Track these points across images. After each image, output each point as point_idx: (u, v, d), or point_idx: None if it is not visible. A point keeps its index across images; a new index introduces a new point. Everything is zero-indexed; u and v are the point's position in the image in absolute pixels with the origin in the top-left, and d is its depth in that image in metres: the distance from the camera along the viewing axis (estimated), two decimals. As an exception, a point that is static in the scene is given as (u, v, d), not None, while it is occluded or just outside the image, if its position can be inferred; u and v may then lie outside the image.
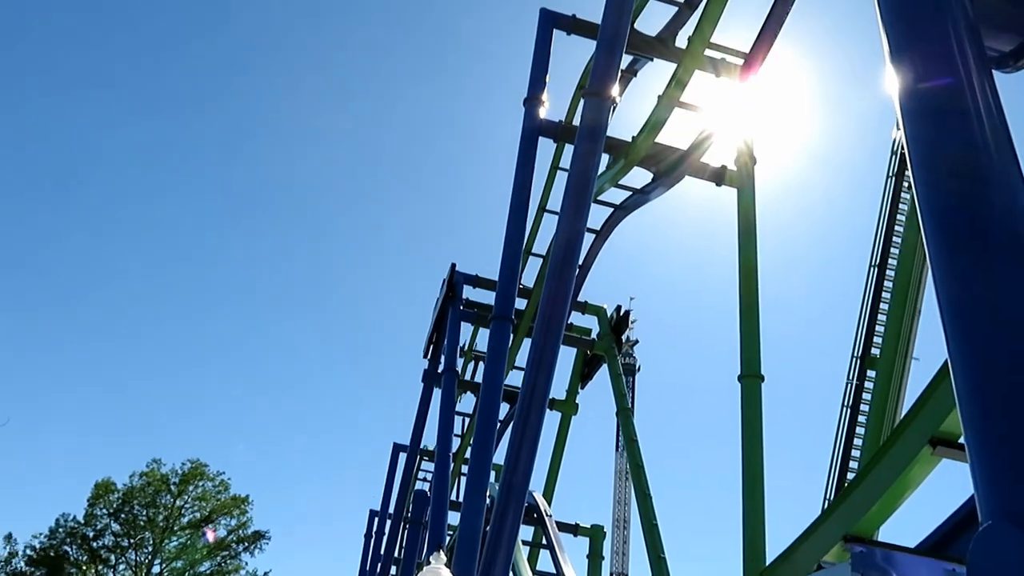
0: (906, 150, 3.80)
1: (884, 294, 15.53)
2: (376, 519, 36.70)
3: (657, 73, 19.60)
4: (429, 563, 7.97)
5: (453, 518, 23.91)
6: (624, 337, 28.63)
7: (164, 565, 39.53)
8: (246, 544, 41.28)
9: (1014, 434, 2.82)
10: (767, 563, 12.96)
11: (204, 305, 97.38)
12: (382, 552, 32.82)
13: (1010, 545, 2.60)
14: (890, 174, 16.21)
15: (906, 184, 15.99)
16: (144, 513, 39.67)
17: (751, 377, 15.55)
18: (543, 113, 17.27)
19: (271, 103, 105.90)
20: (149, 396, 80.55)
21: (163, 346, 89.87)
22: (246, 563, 41.52)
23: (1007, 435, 2.83)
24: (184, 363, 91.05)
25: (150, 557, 38.84)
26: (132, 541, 39.12)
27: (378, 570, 31.95)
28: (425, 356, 27.39)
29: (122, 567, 39.06)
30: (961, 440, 6.56)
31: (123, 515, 39.42)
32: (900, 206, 15.86)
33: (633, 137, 17.65)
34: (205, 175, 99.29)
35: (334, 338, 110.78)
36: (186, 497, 41.00)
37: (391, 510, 33.10)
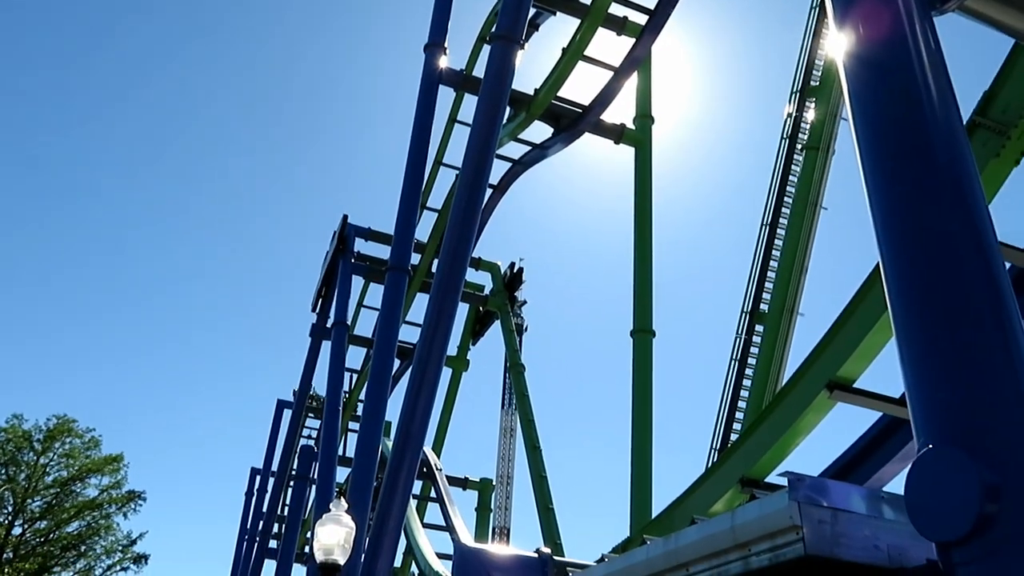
0: (843, 80, 3.78)
1: (774, 252, 16.21)
2: (259, 476, 35.79)
3: (558, 29, 19.50)
4: (329, 510, 7.74)
5: (340, 474, 23.63)
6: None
7: (27, 526, 37.19)
8: (119, 505, 39.34)
9: (952, 357, 2.86)
10: (653, 514, 13.48)
11: (80, 254, 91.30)
12: (264, 510, 32.07)
13: (953, 466, 2.64)
14: (784, 136, 16.84)
15: (799, 147, 16.68)
16: (3, 472, 37.05)
17: (642, 332, 15.93)
18: (444, 62, 16.81)
19: (171, 45, 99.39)
20: (13, 351, 75.26)
21: (34, 299, 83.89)
22: (118, 524, 39.75)
23: (947, 360, 2.87)
24: (60, 314, 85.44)
25: (10, 518, 36.41)
26: (-12, 501, 36.67)
27: (260, 527, 31.21)
28: (313, 310, 26.65)
29: (-24, 528, 36.61)
30: (856, 385, 6.87)
31: (-24, 473, 36.91)
32: (792, 167, 16.54)
33: (536, 90, 17.50)
34: (101, 116, 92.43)
35: (217, 289, 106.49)
36: (51, 455, 38.50)
37: (274, 467, 32.34)
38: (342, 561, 7.72)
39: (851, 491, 3.15)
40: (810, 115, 16.75)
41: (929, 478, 2.73)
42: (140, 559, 39.04)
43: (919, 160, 3.27)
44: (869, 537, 3.04)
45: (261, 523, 31.32)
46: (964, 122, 3.65)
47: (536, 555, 8.65)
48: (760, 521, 3.11)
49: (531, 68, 20.09)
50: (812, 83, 16.73)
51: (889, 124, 3.50)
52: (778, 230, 16.14)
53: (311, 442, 30.14)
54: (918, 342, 2.98)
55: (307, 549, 27.06)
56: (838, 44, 4.03)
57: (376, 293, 27.96)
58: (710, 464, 14.82)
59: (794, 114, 16.79)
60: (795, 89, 17.01)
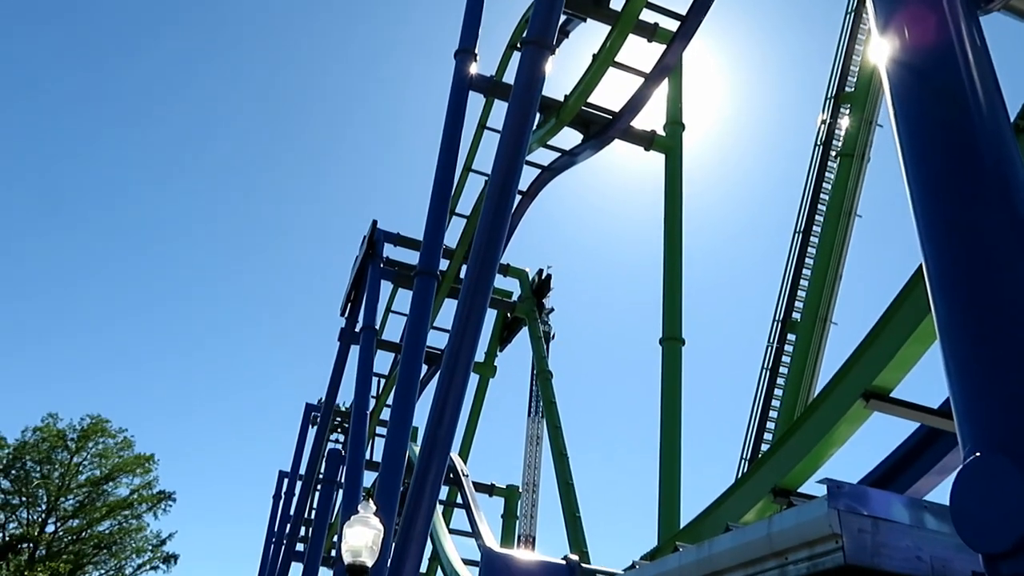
0: (886, 83, 3.71)
1: (807, 260, 16.01)
2: (286, 480, 36.04)
3: (588, 35, 19.47)
4: (358, 512, 7.76)
5: (367, 478, 23.71)
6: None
7: (59, 524, 37.73)
8: (150, 504, 39.78)
9: (1002, 365, 2.78)
10: (681, 524, 13.34)
11: (113, 258, 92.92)
12: (291, 513, 32.28)
13: (1000, 475, 2.56)
14: (818, 142, 16.64)
15: (833, 154, 16.49)
16: (38, 470, 37.62)
17: (672, 340, 15.80)
18: (474, 68, 16.86)
19: (201, 50, 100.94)
20: (48, 351, 76.77)
21: (70, 301, 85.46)
22: (149, 524, 40.21)
23: (995, 365, 2.79)
24: (95, 315, 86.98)
25: (44, 516, 36.95)
26: (24, 499, 37.14)
27: (287, 531, 31.41)
28: (342, 314, 26.79)
29: (12, 526, 37.08)
30: (894, 394, 6.73)
31: (13, 471, 37.38)
32: (826, 175, 16.33)
33: (565, 96, 17.50)
34: (127, 125, 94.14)
35: (248, 293, 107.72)
36: (84, 454, 39.05)
37: (302, 471, 32.56)
38: (370, 563, 7.72)
39: (892, 500, 3.07)
40: (844, 122, 16.53)
41: (975, 487, 2.65)
42: (170, 559, 39.50)
43: (965, 163, 3.19)
44: (911, 548, 2.96)
45: (288, 526, 31.52)
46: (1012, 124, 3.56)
47: (564, 562, 8.59)
48: (798, 529, 3.04)
49: (560, 75, 20.08)
50: (847, 89, 16.53)
51: (934, 127, 3.43)
52: (811, 238, 15.93)
53: (338, 446, 30.29)
54: (963, 347, 2.90)
55: (333, 552, 27.21)
56: (880, 47, 3.95)
57: (404, 298, 28.12)
58: (740, 474, 14.66)
59: (828, 120, 16.59)
60: (829, 95, 16.81)
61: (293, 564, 29.75)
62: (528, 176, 20.70)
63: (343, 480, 20.97)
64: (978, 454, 2.67)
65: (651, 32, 17.10)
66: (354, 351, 25.29)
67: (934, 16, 3.68)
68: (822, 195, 16.07)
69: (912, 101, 3.59)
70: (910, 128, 3.54)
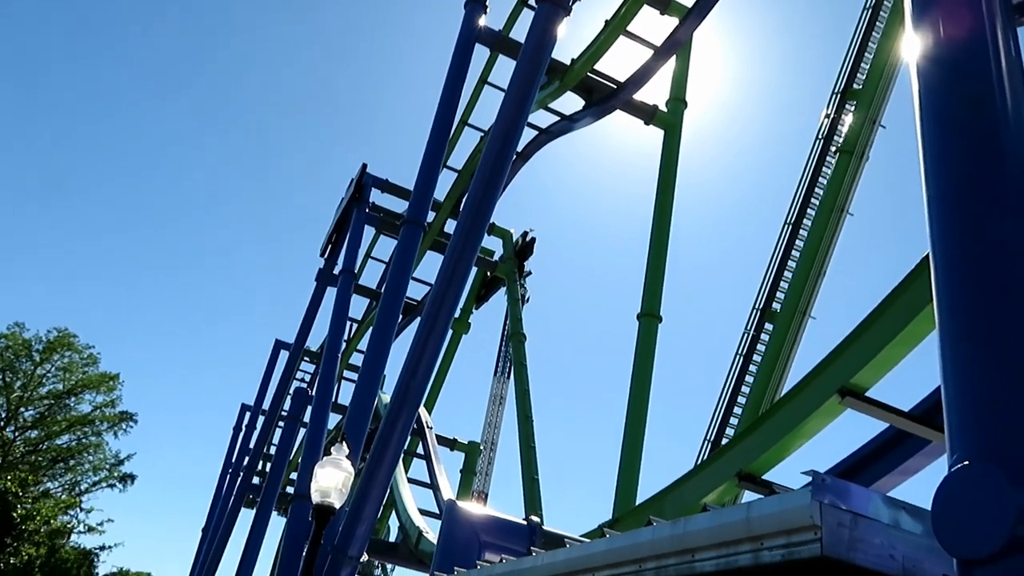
0: (914, 78, 3.68)
1: (794, 252, 16.12)
2: (248, 413, 36.05)
3: (600, 2, 19.22)
4: (331, 453, 7.78)
5: (332, 420, 23.77)
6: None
7: (18, 433, 37.51)
8: (110, 423, 39.61)
9: (1000, 375, 2.81)
10: (639, 498, 13.56)
11: (99, 173, 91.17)
12: (251, 446, 32.35)
13: (987, 484, 2.60)
14: (819, 136, 16.64)
15: (833, 149, 16.51)
16: (0, 377, 37.28)
17: (649, 316, 15.89)
18: (483, 21, 16.56)
19: None
20: (23, 260, 75.56)
21: (50, 212, 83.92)
22: (108, 443, 40.04)
23: (992, 375, 2.83)
24: (74, 228, 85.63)
25: (2, 424, 36.71)
26: (-18, 405, 36.88)
27: (245, 463, 31.51)
28: (322, 255, 26.60)
29: (-31, 428, 36.84)
30: (869, 393, 6.84)
31: (-25, 376, 37.04)
32: (823, 169, 16.37)
33: (572, 60, 17.30)
34: (124, 41, 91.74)
35: (230, 224, 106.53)
36: (49, 366, 38.61)
37: (265, 406, 32.57)
38: (338, 505, 7.77)
39: (872, 497, 3.12)
40: (848, 118, 16.54)
41: (960, 493, 2.70)
42: (126, 479, 39.48)
43: (989, 168, 3.19)
44: (885, 545, 3.02)
45: (247, 459, 31.61)
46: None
47: (525, 523, 8.72)
48: (779, 516, 3.09)
49: (567, 38, 19.85)
50: (855, 86, 16.49)
51: (960, 129, 3.41)
52: (801, 230, 16.02)
53: (304, 385, 30.28)
54: (963, 355, 2.93)
55: (290, 490, 27.34)
56: (912, 42, 3.92)
57: (385, 246, 28.03)
58: (702, 456, 14.89)
59: (832, 115, 16.58)
60: (836, 90, 16.77)
61: (248, 496, 29.87)
62: (525, 137, 20.54)
63: (308, 419, 20.99)
64: (967, 462, 2.71)
65: (665, 4, 16.88)
66: (330, 293, 25.21)
67: (971, 16, 3.65)
68: (817, 189, 16.13)
69: (939, 100, 3.57)
70: (934, 127, 3.53)
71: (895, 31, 15.76)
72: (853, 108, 16.43)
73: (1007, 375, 2.81)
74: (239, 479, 30.98)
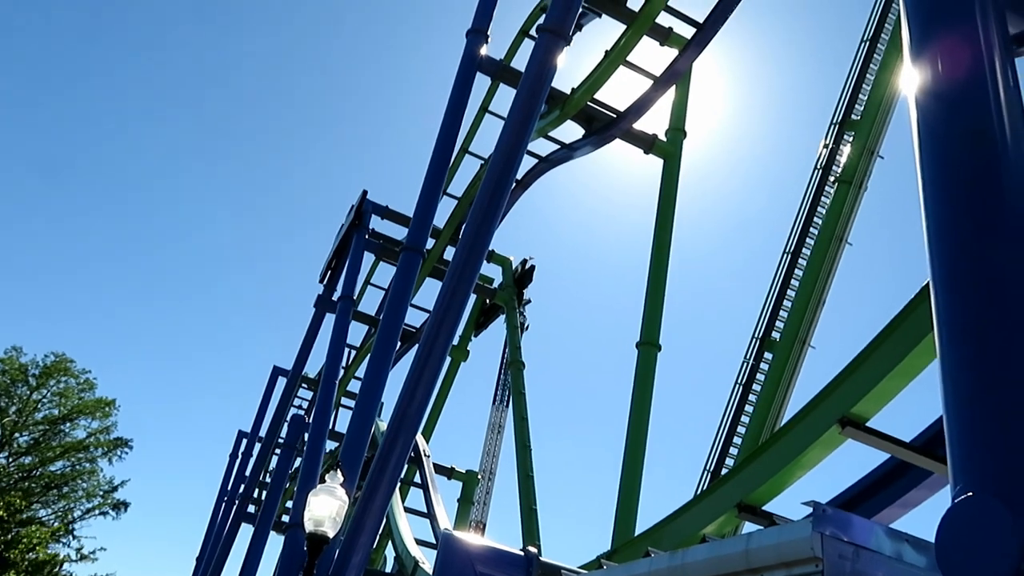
0: (915, 130, 3.68)
1: (793, 281, 16.12)
2: (244, 440, 35.81)
3: (601, 32, 19.37)
4: (325, 481, 7.67)
5: (329, 447, 23.55)
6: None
7: (11, 459, 37.17)
8: (105, 449, 39.28)
9: (1003, 406, 2.77)
10: (637, 528, 13.41)
11: (102, 195, 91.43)
12: (246, 474, 32.07)
13: (991, 518, 2.55)
14: (817, 166, 16.72)
15: (831, 179, 16.58)
16: (-6, 401, 37.09)
17: (648, 345, 15.83)
18: (485, 50, 16.70)
19: (213, 13, 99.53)
20: (21, 284, 75.64)
21: (47, 239, 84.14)
22: (102, 469, 39.69)
23: (996, 407, 2.78)
24: (73, 253, 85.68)
25: (-3, 449, 36.48)
26: (-24, 430, 36.62)
27: (240, 491, 31.21)
28: (321, 281, 26.57)
29: (-39, 456, 36.51)
30: (870, 424, 6.77)
31: (-30, 400, 36.80)
32: (822, 199, 16.43)
33: (572, 89, 17.42)
34: (123, 66, 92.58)
35: (229, 250, 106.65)
36: (45, 391, 38.36)
37: (262, 433, 32.35)
38: (331, 534, 7.65)
39: (874, 528, 3.06)
40: (847, 148, 16.62)
41: (964, 526, 2.64)
42: (120, 506, 39.06)
43: (989, 202, 3.18)
44: (888, 579, 2.96)
45: (242, 487, 31.32)
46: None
47: (522, 553, 8.59)
48: (778, 548, 3.03)
49: (567, 68, 20.01)
50: (853, 117, 16.60)
51: (960, 164, 3.40)
52: (800, 259, 16.03)
53: (301, 412, 30.11)
54: (966, 386, 2.89)
55: (285, 518, 27.05)
56: (911, 75, 3.93)
57: (385, 272, 28.03)
58: (702, 487, 14.74)
59: (831, 145, 16.67)
60: (835, 121, 16.88)
61: (243, 525, 29.56)
62: (525, 165, 20.63)
63: (304, 446, 20.83)
64: (970, 493, 2.66)
65: (665, 36, 17.06)
66: (328, 320, 25.13)
67: (969, 50, 3.66)
68: (816, 218, 16.17)
69: (939, 133, 3.56)
70: (934, 159, 3.52)
71: (893, 62, 15.90)
72: (851, 138, 16.52)
73: (1011, 405, 2.77)
74: (235, 507, 30.67)
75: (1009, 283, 3.00)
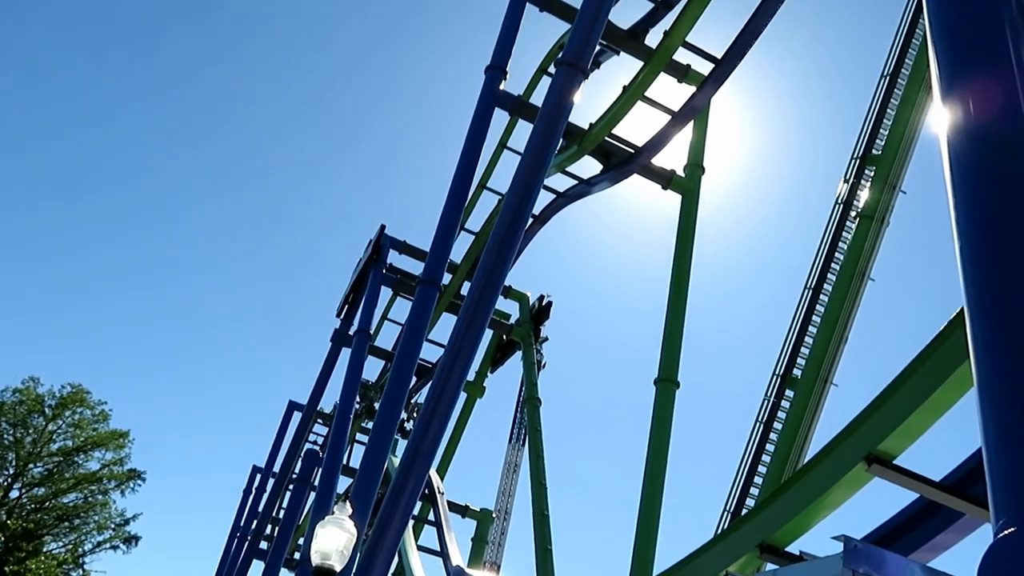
0: (948, 174, 3.56)
1: (814, 318, 15.87)
2: (259, 476, 35.58)
3: (619, 70, 19.47)
4: (333, 512, 7.49)
5: (342, 484, 23.34)
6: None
7: (24, 490, 37.11)
8: (119, 482, 39.12)
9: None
10: (655, 570, 13.06)
11: (122, 229, 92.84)
12: (259, 509, 31.82)
13: (1039, 554, 2.37)
14: (838, 201, 16.58)
15: (853, 214, 16.42)
16: (11, 432, 36.97)
17: (667, 382, 15.58)
18: (503, 85, 16.81)
19: (232, 41, 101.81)
20: (39, 315, 76.41)
21: (67, 270, 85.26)
22: (115, 502, 39.51)
23: (1041, 439, 2.62)
24: (92, 285, 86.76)
25: (10, 480, 36.34)
26: (-8, 460, 36.61)
27: (253, 527, 30.93)
28: (338, 315, 26.61)
29: (-23, 485, 36.47)
30: (897, 461, 6.53)
31: (-13, 431, 36.88)
32: (843, 234, 16.25)
33: (590, 124, 17.45)
34: (142, 103, 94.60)
35: (246, 284, 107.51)
36: (60, 422, 38.33)
37: (276, 468, 32.15)
38: (339, 568, 7.45)
39: (909, 567, 2.88)
40: (868, 183, 16.48)
41: (1007, 562, 2.46)
42: (131, 540, 38.79)
43: None
44: (923, 620, 2.77)
45: (255, 522, 31.05)
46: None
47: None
48: (806, 586, 2.85)
49: (585, 104, 20.08)
50: (874, 152, 16.49)
51: (995, 204, 3.28)
52: (821, 295, 15.81)
53: (316, 447, 29.93)
54: (1007, 416, 2.73)
55: (297, 555, 26.72)
56: (940, 114, 3.81)
57: (402, 308, 28.01)
58: (722, 527, 14.37)
59: (851, 180, 16.54)
60: (855, 155, 16.77)
61: (255, 562, 29.25)
62: (542, 200, 20.63)
63: (317, 482, 20.63)
64: (1013, 529, 2.48)
65: (683, 73, 17.09)
66: (344, 354, 25.08)
67: (1002, 86, 3.54)
68: (837, 254, 15.97)
69: (971, 172, 3.44)
70: (967, 203, 3.38)
71: (914, 97, 15.80)
72: (873, 173, 16.38)
73: (1055, 434, 2.60)
74: (247, 543, 30.39)
75: None
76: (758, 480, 14.94)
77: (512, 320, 27.53)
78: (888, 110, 16.73)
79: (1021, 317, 2.94)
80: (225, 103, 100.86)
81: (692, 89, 16.86)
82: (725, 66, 15.95)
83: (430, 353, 25.28)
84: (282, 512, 27.83)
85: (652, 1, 16.91)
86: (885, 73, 17.14)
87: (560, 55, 12.07)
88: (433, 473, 23.12)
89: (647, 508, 14.33)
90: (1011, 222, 3.23)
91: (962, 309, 6.41)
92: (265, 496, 32.10)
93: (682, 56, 16.97)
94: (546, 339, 28.96)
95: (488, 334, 27.27)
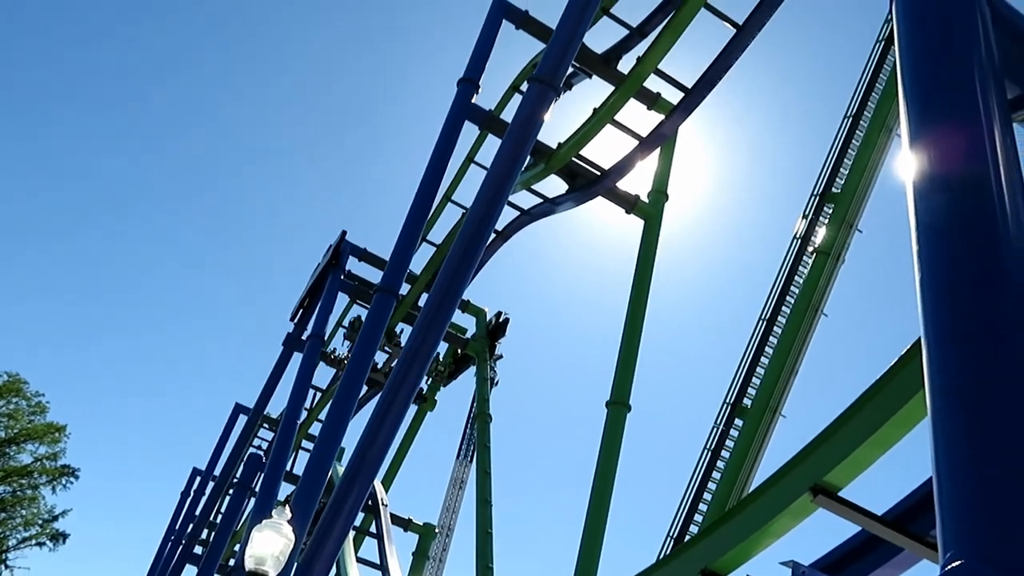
0: (912, 214, 3.60)
1: (767, 349, 16.09)
2: (199, 478, 34.71)
3: (590, 93, 19.63)
4: (271, 517, 7.27)
5: (284, 490, 22.87)
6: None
7: (-50, 482, 35.77)
8: (50, 477, 37.79)
9: (999, 474, 2.62)
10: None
11: (80, 227, 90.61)
12: (197, 513, 31.02)
13: (984, 587, 2.37)
14: (796, 235, 16.89)
15: (810, 249, 16.73)
16: (-61, 423, 35.74)
17: (618, 405, 15.61)
18: (475, 99, 16.80)
19: (208, 44, 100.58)
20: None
21: (18, 262, 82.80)
22: (44, 497, 38.13)
23: (991, 473, 2.63)
24: (32, 278, 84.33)
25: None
26: (-84, 451, 35.13)
27: (189, 530, 30.14)
28: (292, 319, 26.20)
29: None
30: (842, 494, 6.58)
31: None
32: (800, 268, 16.54)
33: (559, 144, 17.54)
34: (110, 106, 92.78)
35: (199, 286, 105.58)
36: (-7, 411, 37.27)
37: (216, 471, 31.42)
38: (273, 574, 7.22)
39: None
40: (826, 221, 16.83)
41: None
42: (58, 537, 37.44)
43: (992, 289, 3.08)
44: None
45: (191, 526, 30.27)
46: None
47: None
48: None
49: (554, 124, 20.17)
50: (833, 190, 16.85)
51: (958, 244, 3.32)
52: (775, 327, 16.05)
53: (260, 452, 29.33)
54: (958, 450, 2.74)
55: (232, 562, 26.06)
56: (907, 158, 3.86)
57: (360, 314, 27.67)
58: (665, 551, 14.39)
59: (810, 216, 16.88)
60: (815, 192, 17.13)
61: (188, 567, 28.48)
62: (506, 216, 20.66)
63: (258, 487, 20.18)
64: (961, 561, 2.48)
65: (653, 100, 17.29)
66: (296, 359, 24.67)
67: (969, 130, 3.60)
68: (793, 288, 16.25)
69: (937, 218, 3.48)
70: (932, 247, 3.41)
71: (875, 139, 16.22)
72: (831, 211, 16.73)
73: (1006, 476, 2.62)
74: (180, 546, 29.59)
75: (1006, 360, 2.90)
76: (703, 507, 15.02)
77: (468, 335, 27.42)
78: (849, 150, 17.14)
79: (977, 351, 2.97)
80: (190, 107, 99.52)
81: (661, 117, 17.07)
82: (694, 96, 16.18)
83: (383, 362, 25.07)
84: (220, 517, 27.16)
85: (626, 28, 17.10)
86: (848, 114, 17.57)
87: (534, 72, 12.11)
88: (378, 484, 22.81)
89: (591, 530, 14.30)
90: (971, 263, 3.26)
91: (908, 349, 6.52)
92: (203, 500, 31.35)
93: (653, 84, 17.18)
94: (501, 356, 28.88)
95: (443, 347, 27.11)
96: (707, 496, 15.14)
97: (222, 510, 27.68)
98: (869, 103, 17.22)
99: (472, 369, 26.82)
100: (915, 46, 4.30)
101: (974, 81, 3.89)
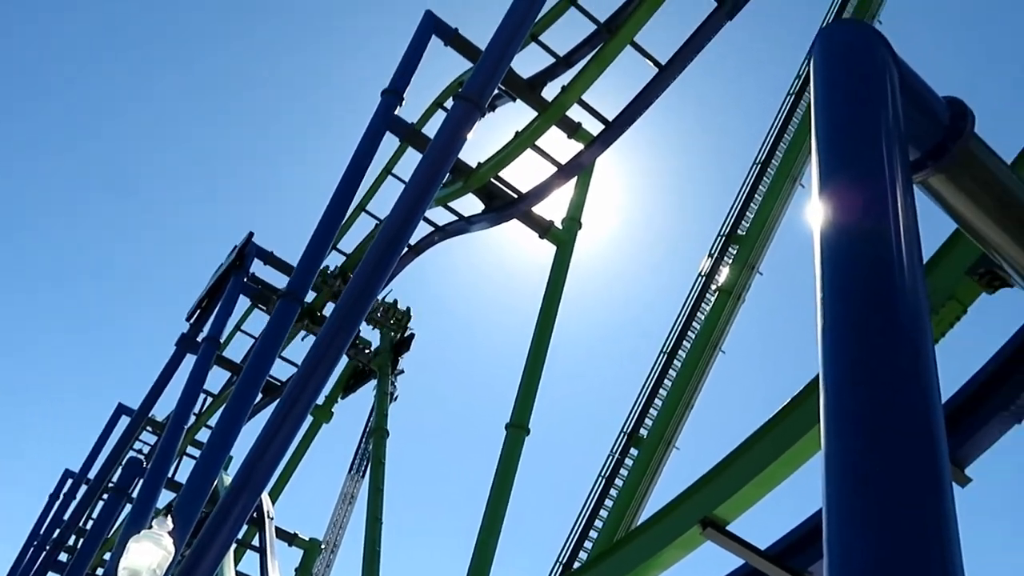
0: (818, 259, 3.75)
1: (666, 382, 16.48)
2: (70, 480, 32.75)
3: (512, 116, 19.83)
4: (152, 527, 6.88)
5: (165, 497, 21.82)
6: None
7: None
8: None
9: (883, 533, 2.71)
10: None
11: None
12: (65, 517, 29.25)
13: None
14: (701, 273, 17.47)
15: (713, 287, 17.30)
16: None
17: (518, 427, 15.65)
18: (398, 111, 16.69)
19: (115, 46, 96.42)
20: None
21: None
22: None
23: (879, 516, 2.72)
24: None
25: None
26: None
27: (54, 535, 28.37)
28: (188, 319, 25.19)
29: None
30: (729, 528, 6.74)
31: None
32: (702, 305, 17.08)
33: (479, 163, 17.59)
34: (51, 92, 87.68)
35: (93, 281, 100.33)
36: None
37: (91, 475, 29.74)
38: (147, 588, 6.83)
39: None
40: (730, 261, 17.46)
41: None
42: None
43: (886, 335, 3.21)
44: None
45: (58, 531, 28.51)
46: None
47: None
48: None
49: (474, 144, 20.24)
50: (739, 232, 17.52)
51: (860, 294, 3.46)
52: (675, 361, 16.48)
53: (141, 456, 27.95)
54: (849, 494, 2.83)
55: (100, 571, 24.64)
56: (815, 209, 4.02)
57: (258, 321, 26.88)
58: (554, 576, 14.46)
59: (715, 256, 17.48)
60: (722, 233, 17.77)
61: (50, 574, 26.75)
62: (420, 231, 20.53)
63: (136, 493, 19.19)
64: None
65: (573, 129, 17.58)
66: (188, 361, 23.71)
67: (874, 187, 3.78)
68: (694, 323, 16.75)
69: (840, 266, 3.62)
70: (835, 292, 3.54)
71: (779, 187, 17.01)
72: (736, 252, 17.37)
73: (894, 508, 2.71)
74: (43, 552, 27.81)
75: (894, 422, 3.03)
76: (593, 534, 15.17)
77: (372, 348, 27.06)
78: (756, 195, 17.87)
79: (872, 391, 3.06)
80: (92, 103, 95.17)
81: (580, 146, 17.37)
82: (614, 130, 16.54)
83: (281, 372, 24.40)
84: (91, 523, 25.68)
85: (554, 56, 17.37)
86: (757, 161, 18.37)
87: (460, 90, 12.12)
88: (265, 496, 22.06)
89: (481, 553, 14.21)
90: (871, 307, 3.39)
91: (801, 391, 6.77)
92: (74, 503, 29.60)
93: (575, 113, 17.48)
94: (402, 371, 28.59)
95: (344, 359, 26.62)
96: (598, 524, 15.30)
97: (93, 516, 26.21)
98: (777, 152, 18.06)
99: (372, 383, 26.44)
100: (829, 106, 4.49)
101: (881, 142, 4.08)
